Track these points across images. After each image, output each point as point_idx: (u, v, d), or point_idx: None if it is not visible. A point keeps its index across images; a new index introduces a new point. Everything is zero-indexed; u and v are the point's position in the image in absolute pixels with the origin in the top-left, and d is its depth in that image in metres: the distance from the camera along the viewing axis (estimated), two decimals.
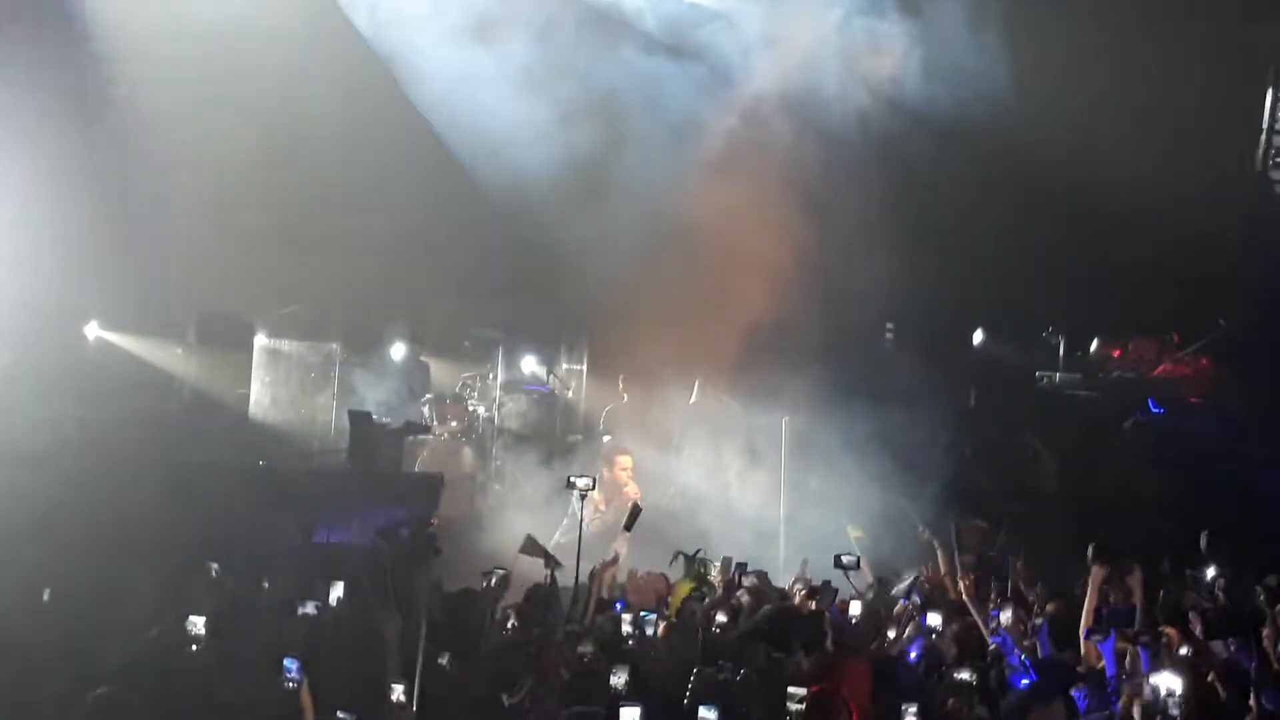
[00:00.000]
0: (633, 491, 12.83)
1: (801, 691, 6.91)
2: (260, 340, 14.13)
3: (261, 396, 13.87)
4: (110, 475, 11.19)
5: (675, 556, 10.81)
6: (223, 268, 13.14)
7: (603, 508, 12.75)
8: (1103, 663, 8.01)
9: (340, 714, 6.60)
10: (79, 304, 13.18)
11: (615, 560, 9.94)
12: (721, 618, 8.96)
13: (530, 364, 14.55)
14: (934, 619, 8.40)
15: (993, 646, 8.41)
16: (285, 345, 14.18)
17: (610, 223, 13.58)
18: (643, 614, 8.89)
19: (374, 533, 10.06)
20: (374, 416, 13.25)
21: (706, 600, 9.62)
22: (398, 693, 6.64)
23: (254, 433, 13.29)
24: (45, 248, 12.44)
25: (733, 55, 14.34)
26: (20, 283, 12.35)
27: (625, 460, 12.95)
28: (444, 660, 7.35)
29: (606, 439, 13.60)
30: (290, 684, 6.66)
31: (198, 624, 7.50)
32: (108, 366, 13.16)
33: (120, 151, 13.02)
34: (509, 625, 8.74)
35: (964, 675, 7.20)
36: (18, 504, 10.37)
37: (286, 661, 6.70)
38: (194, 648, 7.39)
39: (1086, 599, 8.45)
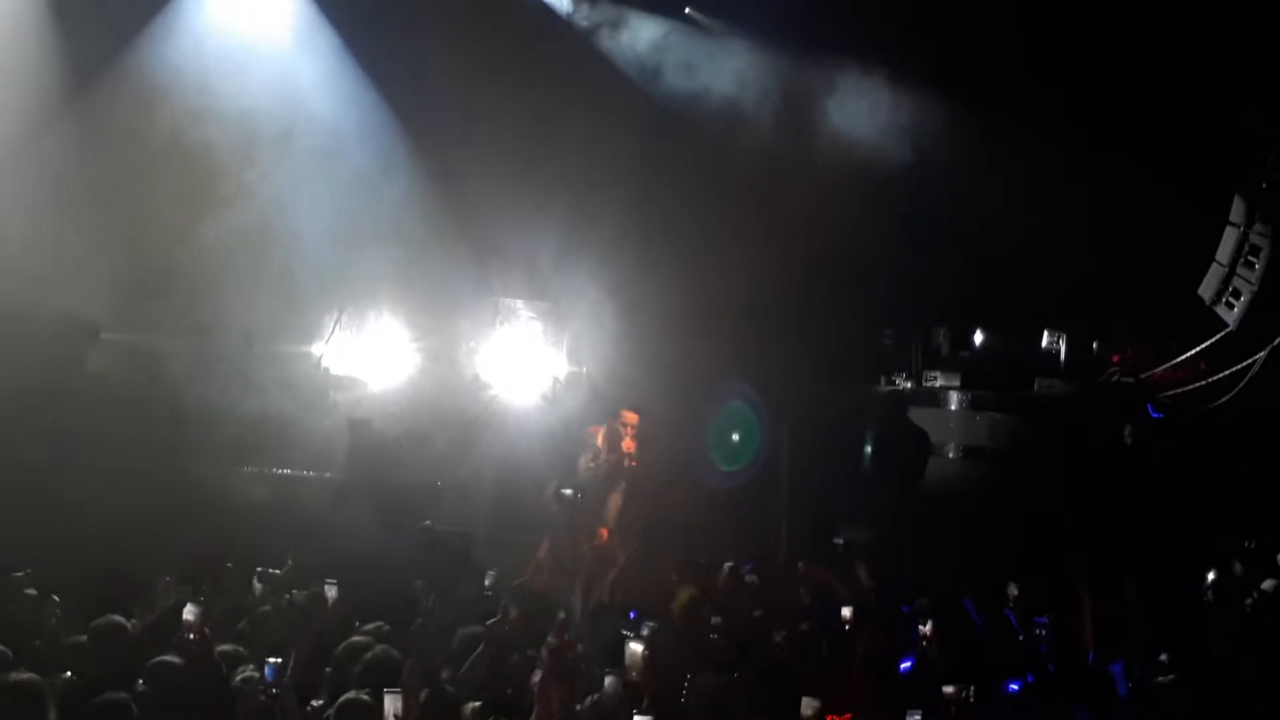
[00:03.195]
0: (628, 445, 13.24)
1: (816, 703, 6.89)
2: (256, 347, 14.11)
3: (261, 404, 13.85)
4: (111, 486, 11.23)
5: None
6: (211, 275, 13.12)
7: (604, 455, 13.21)
8: None
9: None
10: (80, 314, 13.18)
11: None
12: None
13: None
14: (925, 627, 8.40)
15: None
16: (279, 350, 14.16)
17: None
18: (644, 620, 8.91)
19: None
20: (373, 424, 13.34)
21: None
22: (395, 706, 6.40)
23: (255, 441, 13.27)
24: (46, 256, 12.46)
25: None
26: (19, 292, 12.37)
27: (631, 417, 13.35)
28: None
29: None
30: (273, 690, 6.50)
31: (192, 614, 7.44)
32: (108, 377, 13.17)
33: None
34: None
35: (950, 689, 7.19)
36: (18, 515, 10.45)
37: (267, 669, 6.58)
38: (191, 635, 7.30)
39: (1084, 621, 8.50)
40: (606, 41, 15.10)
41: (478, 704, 6.80)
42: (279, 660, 6.64)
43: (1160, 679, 7.57)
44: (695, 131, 14.48)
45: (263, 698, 6.50)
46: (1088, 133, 13.94)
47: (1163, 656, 8.13)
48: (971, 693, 7.12)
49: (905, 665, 8.42)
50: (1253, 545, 11.19)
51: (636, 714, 6.54)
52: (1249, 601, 9.98)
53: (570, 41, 15.08)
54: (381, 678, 6.69)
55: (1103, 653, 8.46)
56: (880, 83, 14.76)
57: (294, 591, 8.83)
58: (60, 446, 11.54)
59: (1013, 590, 9.43)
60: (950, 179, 13.91)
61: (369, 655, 7.07)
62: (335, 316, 14.15)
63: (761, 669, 7.95)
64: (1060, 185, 13.79)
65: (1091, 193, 13.88)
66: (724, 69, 14.98)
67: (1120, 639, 8.66)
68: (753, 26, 14.98)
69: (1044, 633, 8.68)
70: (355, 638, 7.52)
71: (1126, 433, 12.74)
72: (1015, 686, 7.85)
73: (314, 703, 6.85)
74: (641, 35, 15.07)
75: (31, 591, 8.49)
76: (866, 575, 10.89)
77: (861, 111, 14.80)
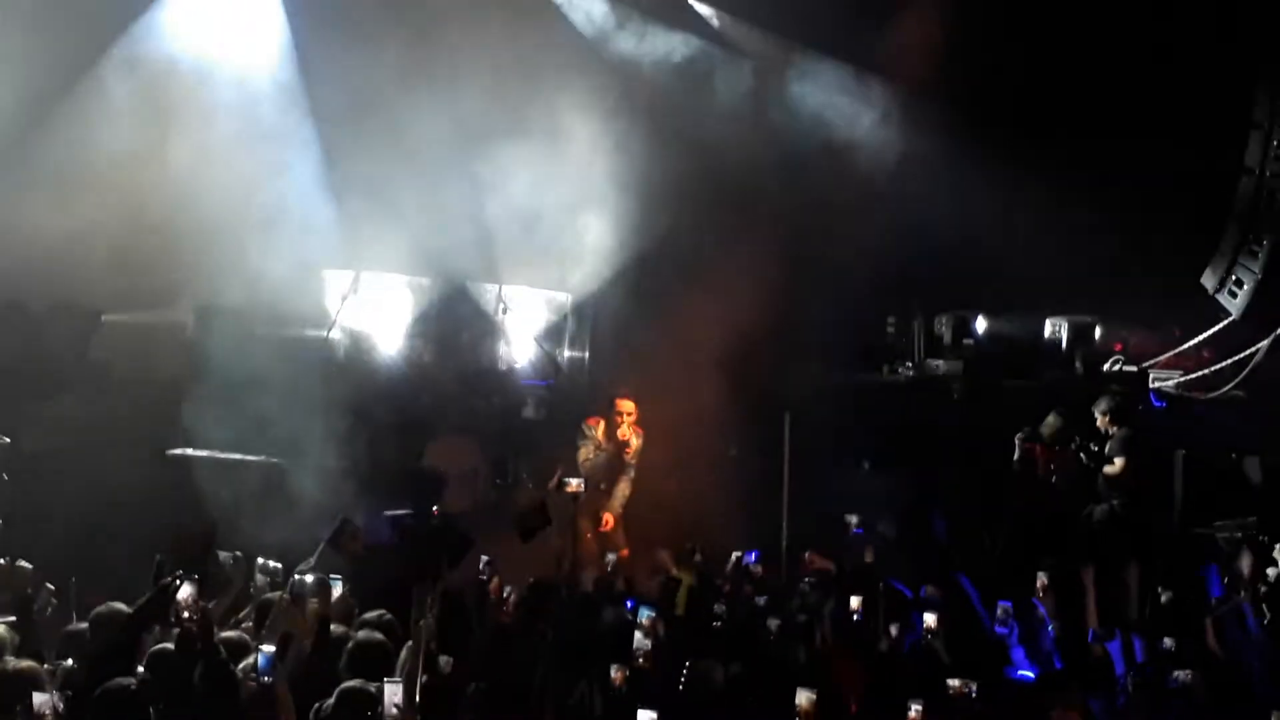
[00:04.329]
0: (626, 434, 13.24)
1: (811, 694, 6.85)
2: (257, 330, 14.06)
3: (263, 390, 13.83)
4: (112, 471, 11.22)
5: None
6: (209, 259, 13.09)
7: (604, 446, 13.22)
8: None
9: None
10: (82, 297, 13.18)
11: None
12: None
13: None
14: (929, 619, 8.39)
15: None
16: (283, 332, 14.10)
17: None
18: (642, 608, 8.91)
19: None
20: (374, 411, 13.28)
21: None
22: (396, 694, 6.31)
23: (260, 428, 13.29)
24: (46, 239, 12.43)
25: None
26: (20, 275, 12.36)
27: (626, 405, 13.33)
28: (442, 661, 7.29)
29: None
30: (264, 678, 6.45)
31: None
32: (110, 360, 13.16)
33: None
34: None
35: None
36: (20, 501, 10.43)
37: (261, 658, 6.55)
38: (186, 614, 7.25)
39: (1088, 600, 8.49)
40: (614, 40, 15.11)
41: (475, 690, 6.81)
42: (271, 649, 6.60)
43: (1177, 675, 7.53)
44: (694, 126, 14.45)
45: (254, 685, 6.47)
46: (1088, 125, 13.92)
47: (1168, 643, 8.12)
48: (974, 689, 7.10)
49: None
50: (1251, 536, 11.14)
51: (641, 710, 6.54)
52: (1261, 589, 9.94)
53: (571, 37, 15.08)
54: (376, 667, 6.69)
55: (1103, 629, 8.46)
56: (874, 76, 14.77)
57: (295, 579, 8.80)
58: (60, 434, 11.51)
59: (1042, 580, 9.31)
60: (951, 167, 13.88)
61: (363, 644, 7.06)
62: (338, 305, 14.12)
63: (756, 657, 7.95)
64: (1062, 174, 13.77)
65: (1093, 181, 13.86)
66: (722, 61, 15.02)
67: (1120, 617, 8.66)
68: (755, 23, 15.01)
69: (1009, 617, 8.67)
70: (337, 627, 7.52)
71: (1098, 412, 12.58)
72: (1030, 675, 7.85)
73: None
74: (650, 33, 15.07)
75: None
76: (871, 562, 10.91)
77: (862, 102, 14.81)
